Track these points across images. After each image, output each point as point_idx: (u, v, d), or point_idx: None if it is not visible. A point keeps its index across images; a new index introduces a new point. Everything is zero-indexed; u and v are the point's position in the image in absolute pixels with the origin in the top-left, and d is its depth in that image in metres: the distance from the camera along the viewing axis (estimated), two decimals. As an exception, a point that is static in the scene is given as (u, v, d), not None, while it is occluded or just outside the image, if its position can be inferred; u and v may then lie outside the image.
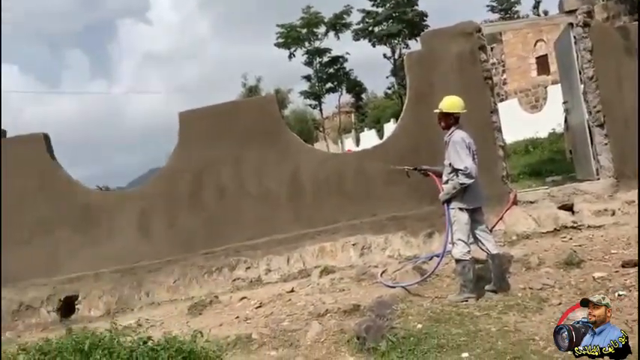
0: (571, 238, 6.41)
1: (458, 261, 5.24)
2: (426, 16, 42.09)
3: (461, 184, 5.15)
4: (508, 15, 44.93)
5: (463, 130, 5.37)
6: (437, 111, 5.45)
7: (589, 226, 6.68)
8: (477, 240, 5.37)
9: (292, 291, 6.25)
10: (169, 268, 7.23)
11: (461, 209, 5.24)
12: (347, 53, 42.27)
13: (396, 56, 43.35)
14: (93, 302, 7.08)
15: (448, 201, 5.26)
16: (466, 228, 5.24)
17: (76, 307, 7.12)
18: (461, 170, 5.12)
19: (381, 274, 6.19)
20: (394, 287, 5.72)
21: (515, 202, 7.18)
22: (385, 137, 9.58)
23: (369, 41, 42.87)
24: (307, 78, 41.75)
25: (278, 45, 40.69)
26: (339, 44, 60.01)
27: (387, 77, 43.97)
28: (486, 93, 7.42)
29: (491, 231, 5.86)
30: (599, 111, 7.38)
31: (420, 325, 4.68)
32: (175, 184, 7.38)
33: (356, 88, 43.57)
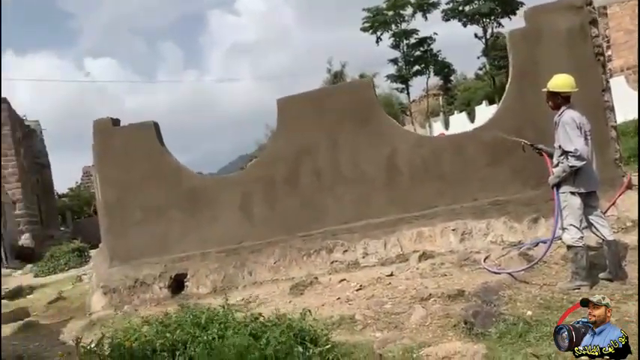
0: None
1: (570, 247, 4.98)
2: (521, -8, 39.97)
3: (570, 166, 4.87)
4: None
5: (575, 110, 5.06)
6: (545, 90, 5.17)
7: None
8: (590, 225, 5.07)
9: (391, 275, 6.26)
10: (270, 250, 7.48)
11: (572, 193, 4.96)
12: (434, 34, 41.18)
13: (488, 36, 41.67)
14: (200, 280, 7.49)
15: (558, 185, 5.00)
16: (578, 213, 4.96)
17: (185, 284, 7.58)
18: (571, 152, 4.84)
19: (485, 260, 6.03)
20: (499, 273, 5.55)
21: (629, 187, 6.69)
22: (477, 120, 9.23)
23: (459, 21, 41.46)
24: (394, 61, 41.17)
25: (364, 29, 40.43)
26: (427, 25, 58.40)
27: (479, 58, 42.23)
28: (597, 70, 6.93)
29: None
30: None
31: (529, 312, 4.52)
32: (274, 168, 7.60)
33: (444, 70, 42.35)
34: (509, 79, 7.33)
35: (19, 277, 15.87)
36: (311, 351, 4.01)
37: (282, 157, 7.59)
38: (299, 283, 6.51)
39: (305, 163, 7.53)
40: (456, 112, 40.83)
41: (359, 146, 7.40)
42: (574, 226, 4.93)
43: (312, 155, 7.51)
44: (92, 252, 16.97)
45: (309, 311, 4.38)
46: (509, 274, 5.47)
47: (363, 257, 7.14)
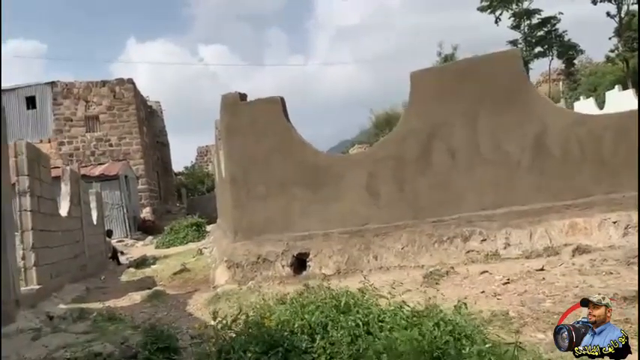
0: None
1: None
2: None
3: None
4: None
5: None
6: None
7: None
8: None
9: (542, 269, 5.52)
10: (397, 234, 7.00)
11: None
12: (560, 13, 38.00)
13: (622, 14, 37.73)
14: (323, 261, 7.20)
15: None
16: None
17: (308, 264, 7.33)
18: None
19: (659, 258, 5.11)
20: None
21: None
22: (607, 107, 7.99)
23: (590, -2, 37.94)
24: (513, 43, 38.54)
25: (482, 9, 38.28)
26: (552, 4, 54.21)
27: (610, 39, 38.41)
28: None
29: None
30: None
31: None
32: (404, 146, 7.07)
33: (569, 52, 38.99)
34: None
35: (141, 247, 16.84)
36: (468, 349, 3.49)
37: (413, 135, 7.05)
38: (434, 272, 5.97)
39: (439, 141, 6.92)
40: (582, 97, 37.54)
41: (502, 124, 6.66)
42: None
43: (448, 133, 6.89)
44: (208, 227, 17.61)
45: (465, 304, 3.84)
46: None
47: (505, 248, 6.43)
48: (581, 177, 6.35)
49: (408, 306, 4.10)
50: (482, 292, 5.20)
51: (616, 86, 32.33)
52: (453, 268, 6.07)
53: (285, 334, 3.90)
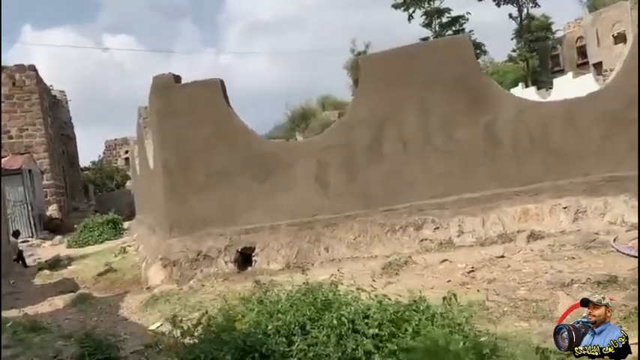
0: None
1: None
2: (559, -29, 38.40)
3: None
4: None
5: None
6: None
7: None
8: None
9: (503, 257, 5.46)
10: (348, 224, 6.72)
11: None
12: (467, 13, 39.81)
13: (524, 16, 40.22)
14: (271, 255, 6.76)
15: None
16: None
17: (253, 259, 6.86)
18: None
19: (614, 241, 5.21)
20: (644, 258, 4.72)
21: None
22: None
23: (493, 0, 40.10)
24: (425, 41, 39.72)
25: (396, 5, 39.18)
26: (460, 4, 56.70)
27: (512, 39, 40.84)
28: None
29: None
30: None
31: None
32: (354, 134, 6.79)
33: (476, 52, 40.89)
34: (629, 44, 6.42)
35: (50, 247, 15.37)
36: (462, 343, 3.25)
37: (364, 123, 6.78)
38: (392, 262, 5.74)
39: (390, 129, 6.71)
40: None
41: (453, 111, 6.57)
42: None
43: (399, 121, 6.70)
44: (126, 224, 16.42)
45: (454, 295, 3.60)
46: (659, 259, 4.63)
47: (458, 236, 6.35)
48: (530, 164, 6.41)
49: (389, 299, 3.81)
50: (449, 281, 5.04)
51: (519, 84, 34.37)
52: (410, 257, 5.87)
53: (260, 337, 3.46)
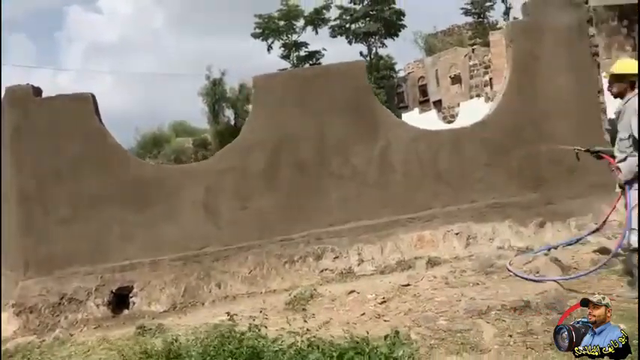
0: None
1: (635, 251, 4.50)
2: (404, 14, 42.11)
3: None
4: (481, 19, 45.48)
5: None
6: (610, 74, 4.68)
7: None
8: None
9: (408, 285, 5.37)
10: (241, 256, 6.18)
11: None
12: (323, 49, 41.69)
13: (372, 55, 43.09)
14: (153, 294, 5.94)
15: (629, 182, 4.51)
16: None
17: (131, 300, 5.96)
18: None
19: (510, 264, 5.42)
20: (541, 281, 4.94)
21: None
22: None
23: (346, 38, 42.47)
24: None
25: (255, 35, 39.55)
26: (317, 40, 59.39)
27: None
28: (594, 70, 6.79)
29: None
30: None
31: (622, 325, 3.90)
32: (248, 158, 6.34)
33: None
34: (507, 73, 6.91)
35: None
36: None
37: (258, 147, 6.36)
38: (297, 297, 5.33)
39: (286, 153, 6.38)
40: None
41: (349, 137, 6.45)
42: None
43: (294, 145, 6.40)
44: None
45: (397, 332, 3.33)
46: (555, 281, 4.88)
47: (359, 265, 6.17)
48: (422, 191, 6.49)
49: (322, 340, 3.41)
50: (363, 314, 4.78)
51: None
52: (315, 290, 5.52)
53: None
